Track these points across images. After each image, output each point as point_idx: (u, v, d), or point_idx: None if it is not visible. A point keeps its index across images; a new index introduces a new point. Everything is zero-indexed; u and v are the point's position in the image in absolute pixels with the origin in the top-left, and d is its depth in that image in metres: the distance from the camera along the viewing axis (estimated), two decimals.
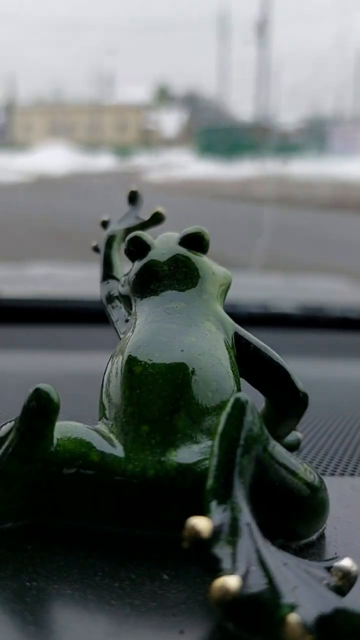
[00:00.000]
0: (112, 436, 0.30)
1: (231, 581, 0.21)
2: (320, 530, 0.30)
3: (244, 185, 8.95)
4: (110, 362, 0.33)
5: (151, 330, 0.32)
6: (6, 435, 0.29)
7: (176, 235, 0.37)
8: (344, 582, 0.23)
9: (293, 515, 0.28)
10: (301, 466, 0.28)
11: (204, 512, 0.24)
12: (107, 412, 0.31)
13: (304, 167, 10.57)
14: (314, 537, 0.30)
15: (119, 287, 0.39)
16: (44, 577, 0.26)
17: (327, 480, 0.31)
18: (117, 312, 0.39)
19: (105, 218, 0.45)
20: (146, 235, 0.37)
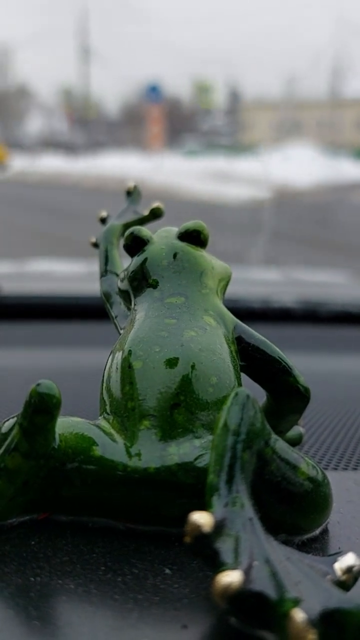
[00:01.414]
0: (113, 431, 0.30)
1: (234, 576, 0.21)
2: (323, 525, 0.30)
3: None
4: (110, 358, 0.33)
5: (151, 325, 0.32)
6: (8, 432, 0.29)
7: (175, 230, 0.37)
8: (347, 577, 0.23)
9: (295, 510, 0.28)
10: (303, 461, 0.28)
11: (205, 506, 0.24)
12: (107, 407, 0.31)
13: None
14: (317, 531, 0.30)
15: (118, 282, 0.39)
16: (47, 572, 0.26)
17: (330, 475, 0.31)
18: (116, 308, 0.39)
19: (104, 214, 0.45)
20: (144, 230, 0.37)
